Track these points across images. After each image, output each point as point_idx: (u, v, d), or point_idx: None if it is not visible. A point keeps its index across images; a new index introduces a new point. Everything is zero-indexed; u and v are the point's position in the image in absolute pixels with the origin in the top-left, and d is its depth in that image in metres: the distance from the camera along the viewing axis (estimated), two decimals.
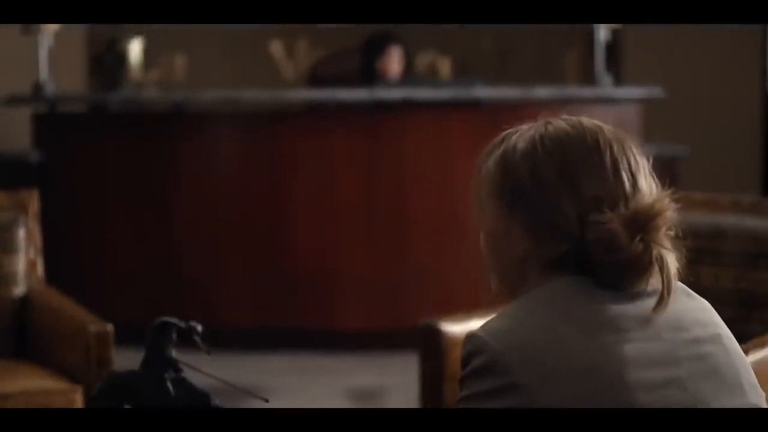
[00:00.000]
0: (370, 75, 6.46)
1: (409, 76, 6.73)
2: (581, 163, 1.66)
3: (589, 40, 6.83)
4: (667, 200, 1.64)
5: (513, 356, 1.57)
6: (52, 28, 6.31)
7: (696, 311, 1.70)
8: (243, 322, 6.02)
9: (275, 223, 6.08)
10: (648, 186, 1.67)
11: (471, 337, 1.61)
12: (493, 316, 1.65)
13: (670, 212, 1.63)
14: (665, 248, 1.62)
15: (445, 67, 9.11)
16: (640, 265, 1.62)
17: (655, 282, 1.64)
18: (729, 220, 3.53)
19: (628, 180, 1.66)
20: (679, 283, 1.71)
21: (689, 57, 8.07)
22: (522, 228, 1.68)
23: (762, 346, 3.06)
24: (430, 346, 3.50)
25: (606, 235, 1.61)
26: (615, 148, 1.67)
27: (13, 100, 6.35)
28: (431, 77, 8.42)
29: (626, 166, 1.67)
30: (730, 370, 1.67)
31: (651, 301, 1.64)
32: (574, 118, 1.72)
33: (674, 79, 7.33)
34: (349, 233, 6.06)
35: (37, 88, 6.30)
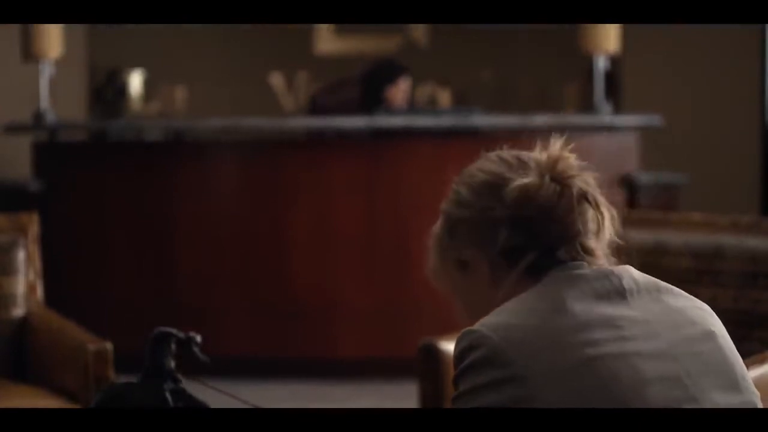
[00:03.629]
0: (374, 102, 6.47)
1: (410, 108, 6.75)
2: (502, 168, 1.76)
3: (589, 70, 6.85)
4: (563, 149, 1.74)
5: (512, 349, 1.59)
6: (54, 56, 6.33)
7: (691, 310, 1.72)
8: (242, 351, 6.00)
9: (275, 251, 6.07)
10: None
11: (468, 332, 1.62)
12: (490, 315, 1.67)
13: (572, 157, 1.73)
14: (582, 184, 1.71)
15: (444, 98, 9.15)
16: (566, 203, 1.69)
17: (642, 279, 1.70)
18: (728, 240, 3.54)
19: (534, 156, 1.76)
20: (675, 288, 1.75)
21: (687, 85, 8.09)
22: (469, 246, 1.77)
23: (761, 363, 3.06)
24: (429, 366, 3.50)
25: (518, 190, 1.70)
26: (536, 154, 1.77)
27: (14, 129, 6.37)
28: (431, 108, 8.45)
29: (548, 160, 1.75)
30: (726, 368, 1.69)
31: (647, 302, 1.68)
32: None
33: (673, 108, 7.36)
34: (348, 262, 6.05)
35: (38, 116, 6.32)
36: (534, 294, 1.67)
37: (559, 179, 1.70)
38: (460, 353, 1.62)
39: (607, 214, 1.72)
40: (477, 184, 1.78)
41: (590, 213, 1.71)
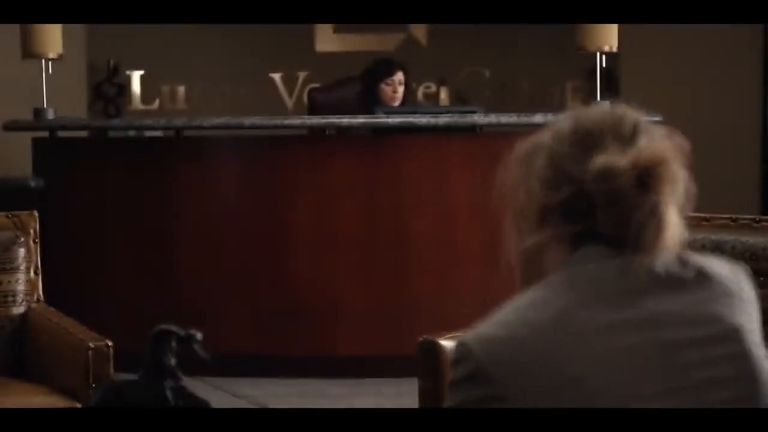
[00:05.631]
0: (372, 99, 6.48)
1: (409, 105, 6.76)
2: (602, 127, 1.64)
3: (588, 69, 6.85)
4: (672, 152, 1.61)
5: (495, 367, 1.55)
6: (54, 54, 6.34)
7: (718, 301, 1.62)
8: (242, 349, 6.00)
9: (275, 249, 6.07)
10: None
11: (460, 343, 1.59)
12: (487, 320, 1.61)
13: (675, 165, 1.60)
14: (664, 200, 1.58)
15: (444, 96, 9.15)
16: (632, 206, 1.58)
17: (672, 269, 1.60)
18: (727, 237, 3.54)
19: (642, 142, 1.62)
20: (713, 269, 1.64)
21: (687, 83, 8.09)
22: (533, 176, 1.66)
23: None
24: (429, 364, 3.50)
25: (604, 166, 1.58)
26: (638, 121, 1.65)
27: (14, 127, 6.36)
28: (432, 107, 8.46)
29: (643, 133, 1.64)
30: (744, 374, 1.60)
31: (664, 299, 1.59)
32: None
33: (672, 105, 7.35)
34: (349, 259, 6.05)
35: (38, 114, 6.32)
36: (535, 299, 1.60)
37: (645, 181, 1.57)
38: (452, 364, 1.60)
39: (668, 236, 1.58)
40: (578, 127, 1.65)
41: (650, 226, 1.57)
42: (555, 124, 1.69)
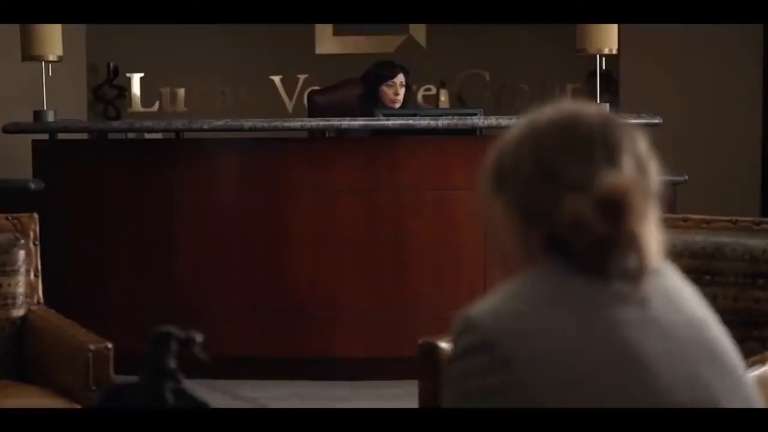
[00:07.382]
0: (373, 101, 6.49)
1: (410, 107, 6.76)
2: (559, 146, 1.64)
3: (588, 71, 6.85)
4: (636, 179, 1.61)
5: (500, 335, 1.57)
6: (54, 56, 6.34)
7: (692, 295, 1.69)
8: (242, 351, 6.01)
9: (275, 251, 6.08)
10: (635, 164, 1.64)
11: (462, 318, 1.61)
12: (484, 299, 1.64)
13: (642, 191, 1.61)
14: (638, 226, 1.60)
15: (444, 98, 9.15)
16: (610, 245, 1.60)
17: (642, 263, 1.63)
18: (728, 239, 3.55)
19: (607, 159, 1.62)
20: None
21: (686, 84, 8.09)
22: (509, 210, 1.68)
23: (762, 363, 3.07)
24: (429, 366, 3.50)
25: (573, 217, 1.60)
26: (596, 128, 1.64)
27: (14, 129, 6.35)
28: (431, 108, 8.45)
29: (606, 144, 1.63)
30: (727, 353, 1.65)
31: (647, 284, 1.62)
32: (566, 104, 1.70)
33: (671, 106, 7.36)
34: (348, 261, 6.05)
35: (38, 116, 6.32)
36: (533, 278, 1.63)
37: (613, 216, 1.59)
38: (453, 339, 1.62)
39: (646, 262, 1.61)
40: (538, 154, 1.65)
41: (630, 254, 1.61)
42: (510, 140, 1.69)
